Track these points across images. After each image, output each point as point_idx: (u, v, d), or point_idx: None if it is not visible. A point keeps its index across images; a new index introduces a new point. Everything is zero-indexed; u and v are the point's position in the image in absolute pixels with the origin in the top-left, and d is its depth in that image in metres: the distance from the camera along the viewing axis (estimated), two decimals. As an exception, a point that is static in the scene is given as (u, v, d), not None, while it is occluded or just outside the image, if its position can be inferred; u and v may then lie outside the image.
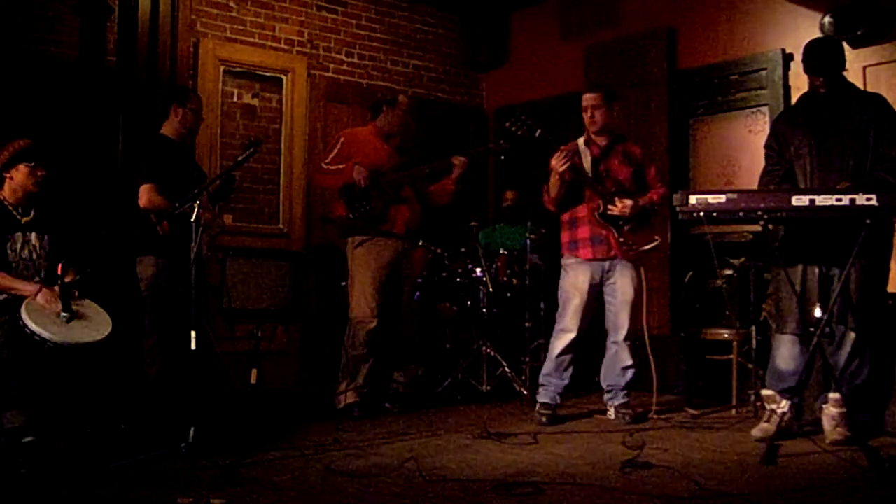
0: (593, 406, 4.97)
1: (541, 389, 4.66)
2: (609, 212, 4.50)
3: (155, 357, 4.23)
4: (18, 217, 3.81)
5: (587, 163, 4.58)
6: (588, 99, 4.60)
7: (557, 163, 4.41)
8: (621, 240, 4.52)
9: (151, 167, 4.30)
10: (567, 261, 4.67)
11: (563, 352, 4.58)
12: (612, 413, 4.66)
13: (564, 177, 4.47)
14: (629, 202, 4.48)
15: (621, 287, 4.57)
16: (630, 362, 4.59)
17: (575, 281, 4.59)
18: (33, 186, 3.83)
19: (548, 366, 4.66)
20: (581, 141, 4.67)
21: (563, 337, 4.57)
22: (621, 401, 4.62)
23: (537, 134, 4.49)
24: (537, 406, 4.63)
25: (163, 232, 4.19)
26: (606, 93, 4.63)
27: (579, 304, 4.55)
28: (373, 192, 4.80)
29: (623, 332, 4.58)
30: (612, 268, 4.58)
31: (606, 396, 4.70)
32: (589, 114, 4.59)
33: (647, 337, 4.64)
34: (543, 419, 4.54)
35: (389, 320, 4.86)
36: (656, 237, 4.63)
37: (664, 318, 5.91)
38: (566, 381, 4.63)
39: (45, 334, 3.42)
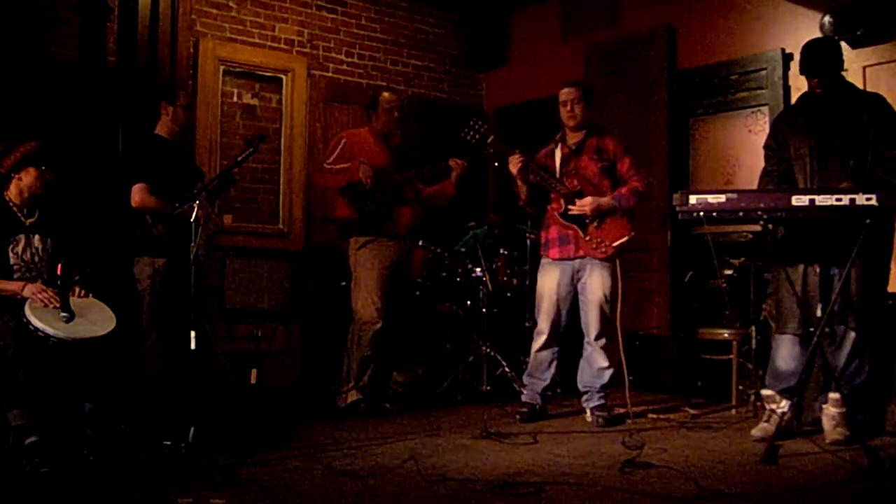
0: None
1: (524, 389, 4.77)
2: (570, 212, 4.55)
3: (154, 357, 4.23)
4: (23, 219, 3.81)
5: (558, 161, 4.65)
6: (566, 93, 4.65)
7: (513, 167, 4.53)
8: (588, 238, 4.54)
9: (143, 167, 4.29)
10: (542, 261, 4.75)
11: (539, 351, 4.66)
12: (588, 415, 4.63)
13: (526, 179, 4.56)
14: (588, 201, 4.51)
15: (591, 287, 4.56)
16: (605, 364, 4.56)
17: (543, 283, 4.67)
18: (41, 189, 3.84)
19: (528, 366, 4.76)
20: (557, 138, 4.74)
21: (538, 338, 4.67)
22: (596, 402, 4.57)
23: (489, 140, 4.63)
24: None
25: (158, 234, 4.19)
26: (584, 88, 4.70)
27: (548, 305, 4.62)
28: (376, 192, 4.80)
29: (593, 333, 4.56)
30: (583, 267, 4.59)
31: (583, 398, 4.68)
32: (568, 108, 4.63)
33: (619, 336, 4.60)
34: (518, 417, 4.62)
35: (391, 321, 4.86)
36: (629, 232, 4.55)
37: (664, 318, 5.90)
38: (547, 381, 4.70)
39: (49, 330, 3.43)
